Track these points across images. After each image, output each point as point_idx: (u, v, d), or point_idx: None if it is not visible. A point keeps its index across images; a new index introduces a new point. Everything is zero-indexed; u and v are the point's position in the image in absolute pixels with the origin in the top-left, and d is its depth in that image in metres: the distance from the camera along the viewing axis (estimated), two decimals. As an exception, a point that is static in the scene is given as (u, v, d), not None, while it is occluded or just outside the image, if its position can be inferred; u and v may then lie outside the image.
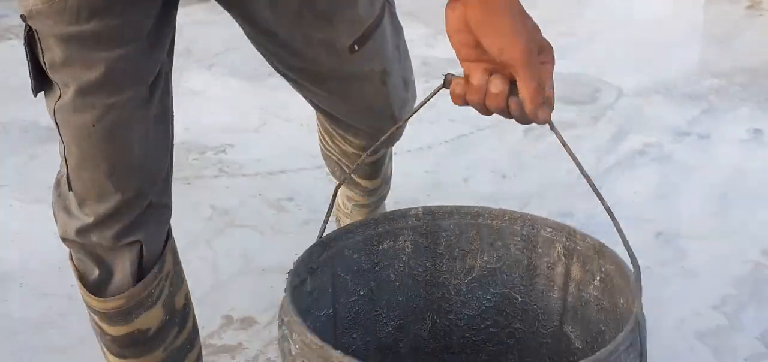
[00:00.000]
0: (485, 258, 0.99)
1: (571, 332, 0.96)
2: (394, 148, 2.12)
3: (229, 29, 2.79)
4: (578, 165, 0.86)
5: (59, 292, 1.60)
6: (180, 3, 1.09)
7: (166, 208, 1.12)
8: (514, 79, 0.84)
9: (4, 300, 1.61)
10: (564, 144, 0.85)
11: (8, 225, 1.81)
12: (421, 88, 2.37)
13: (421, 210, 1.00)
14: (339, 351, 0.76)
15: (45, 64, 0.99)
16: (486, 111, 0.89)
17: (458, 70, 0.91)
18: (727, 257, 1.72)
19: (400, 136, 1.35)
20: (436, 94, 0.89)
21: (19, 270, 1.67)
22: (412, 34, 2.71)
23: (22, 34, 1.01)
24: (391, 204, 1.91)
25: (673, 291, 1.62)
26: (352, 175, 1.48)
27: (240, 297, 1.61)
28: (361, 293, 0.99)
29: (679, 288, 1.63)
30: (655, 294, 1.60)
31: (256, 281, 1.66)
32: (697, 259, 1.71)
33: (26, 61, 1.01)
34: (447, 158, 2.09)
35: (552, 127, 0.86)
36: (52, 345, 1.52)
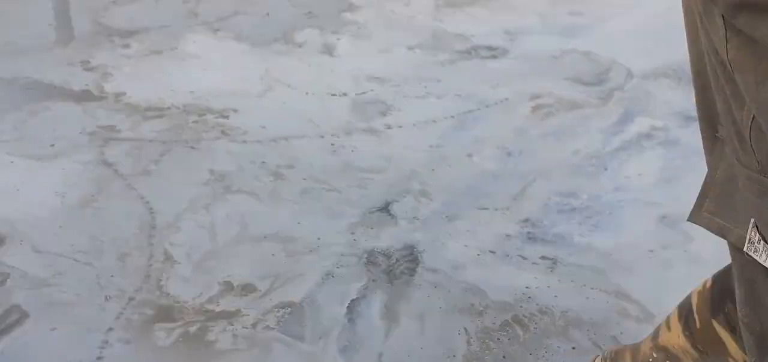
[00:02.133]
0: None
1: None
2: (397, 120, 2.10)
3: (235, -8, 2.71)
4: None
5: (58, 250, 1.59)
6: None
7: None
8: None
9: (4, 256, 1.60)
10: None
11: (8, 181, 1.79)
12: (430, 61, 2.33)
13: None
14: None
15: None
16: None
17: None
18: (731, 244, 1.71)
19: None
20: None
21: (19, 228, 1.66)
22: (420, 4, 2.69)
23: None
24: (392, 176, 1.90)
25: (677, 275, 1.60)
26: None
27: (239, 264, 1.60)
28: None
29: (683, 271, 1.61)
30: (659, 277, 1.59)
31: (255, 248, 1.65)
32: (702, 244, 1.69)
33: None
34: (452, 133, 2.08)
35: None
36: (52, 302, 1.51)
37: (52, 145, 1.89)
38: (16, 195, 1.75)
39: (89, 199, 1.74)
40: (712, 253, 1.67)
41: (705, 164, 1.98)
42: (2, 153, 1.89)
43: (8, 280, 1.54)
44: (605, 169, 1.93)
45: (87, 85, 2.16)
